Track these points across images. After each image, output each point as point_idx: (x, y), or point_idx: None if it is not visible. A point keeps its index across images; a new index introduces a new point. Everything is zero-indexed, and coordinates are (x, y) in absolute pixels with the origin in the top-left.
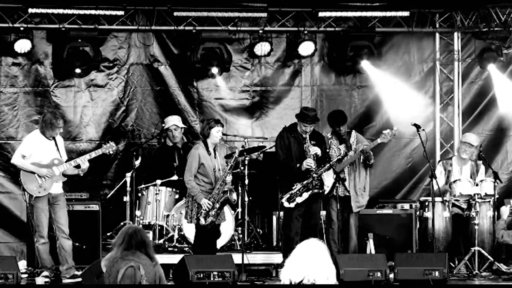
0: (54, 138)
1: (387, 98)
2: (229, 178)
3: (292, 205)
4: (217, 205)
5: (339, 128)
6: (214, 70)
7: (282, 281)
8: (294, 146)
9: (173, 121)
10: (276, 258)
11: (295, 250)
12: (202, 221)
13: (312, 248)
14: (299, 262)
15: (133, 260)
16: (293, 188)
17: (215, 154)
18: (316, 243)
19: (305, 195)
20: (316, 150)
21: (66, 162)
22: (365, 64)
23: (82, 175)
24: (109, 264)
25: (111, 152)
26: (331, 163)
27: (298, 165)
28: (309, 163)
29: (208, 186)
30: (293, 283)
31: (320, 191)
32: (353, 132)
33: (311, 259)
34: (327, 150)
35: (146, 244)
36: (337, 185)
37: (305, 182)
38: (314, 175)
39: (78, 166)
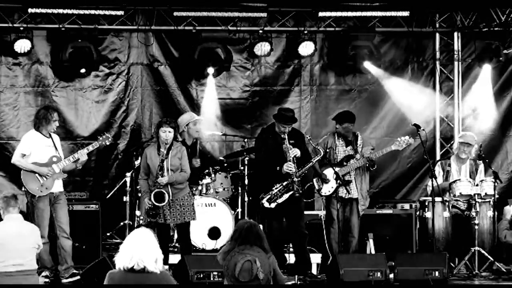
0: (51, 136)
1: (387, 98)
2: (164, 179)
3: (273, 205)
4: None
5: (348, 125)
6: (210, 70)
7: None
8: (272, 147)
9: (193, 116)
10: None
11: (126, 239)
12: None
13: (140, 235)
14: (129, 248)
15: (249, 254)
16: (274, 188)
17: (168, 153)
18: (143, 231)
19: (286, 196)
20: (296, 152)
21: (64, 158)
22: (366, 65)
23: (80, 167)
24: (227, 257)
25: (107, 143)
26: (310, 163)
27: (278, 167)
28: (289, 167)
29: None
30: (125, 268)
31: (300, 192)
32: (360, 136)
33: (139, 244)
34: (334, 151)
35: (261, 238)
36: (339, 188)
37: (285, 183)
38: (295, 179)
39: (76, 160)
